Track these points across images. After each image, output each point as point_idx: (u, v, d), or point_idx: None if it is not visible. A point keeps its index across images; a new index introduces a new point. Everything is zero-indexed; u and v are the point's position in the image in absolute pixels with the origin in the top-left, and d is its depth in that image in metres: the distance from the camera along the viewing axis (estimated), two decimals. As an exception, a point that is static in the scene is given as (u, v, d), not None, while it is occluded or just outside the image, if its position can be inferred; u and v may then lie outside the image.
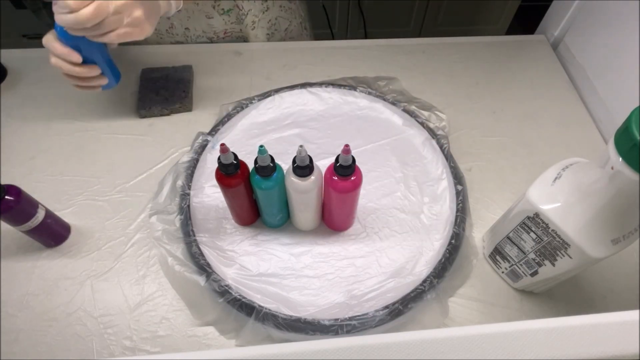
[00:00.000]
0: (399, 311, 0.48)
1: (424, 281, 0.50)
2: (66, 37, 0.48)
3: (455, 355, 0.25)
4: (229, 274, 0.51)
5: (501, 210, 0.57)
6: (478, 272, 0.53)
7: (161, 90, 0.69)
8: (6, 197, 0.45)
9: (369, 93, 0.69)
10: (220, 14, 0.75)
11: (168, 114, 0.68)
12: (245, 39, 0.81)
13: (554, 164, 0.43)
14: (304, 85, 0.70)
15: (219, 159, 0.43)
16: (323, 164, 0.61)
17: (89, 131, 0.66)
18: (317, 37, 0.91)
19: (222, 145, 0.41)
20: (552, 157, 0.46)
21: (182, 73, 0.72)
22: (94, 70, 0.53)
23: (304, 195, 0.47)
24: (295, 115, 0.67)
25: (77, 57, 0.50)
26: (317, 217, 0.55)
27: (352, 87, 0.70)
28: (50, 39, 0.49)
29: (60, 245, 0.55)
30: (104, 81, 0.55)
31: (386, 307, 0.48)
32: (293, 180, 0.45)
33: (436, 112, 0.67)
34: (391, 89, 0.70)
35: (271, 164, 0.44)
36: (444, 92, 0.73)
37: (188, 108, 0.69)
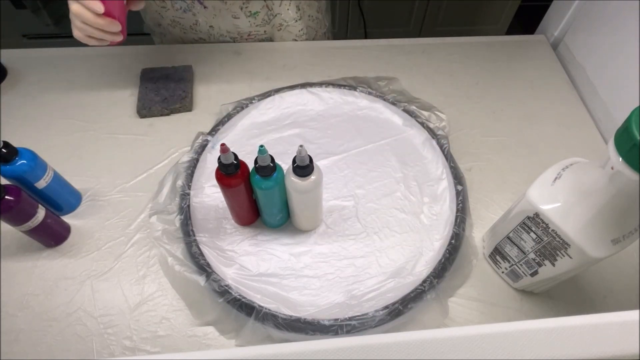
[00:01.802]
0: (399, 311, 0.48)
1: (424, 281, 0.50)
2: None
3: (455, 355, 0.25)
4: (229, 274, 0.51)
5: (501, 210, 0.57)
6: (478, 272, 0.53)
7: (161, 90, 0.69)
8: (6, 197, 0.45)
9: (369, 93, 0.69)
10: (247, 15, 0.75)
11: (168, 114, 0.68)
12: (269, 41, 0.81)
13: (554, 164, 0.43)
14: (304, 85, 0.70)
15: (219, 159, 0.43)
16: (323, 164, 0.61)
17: (89, 131, 0.66)
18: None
19: (223, 145, 0.41)
20: (552, 157, 0.46)
21: (182, 73, 0.72)
22: (116, 26, 0.52)
23: (304, 195, 0.47)
24: (295, 115, 0.67)
25: (100, 7, 0.50)
26: (317, 217, 0.55)
27: (352, 87, 0.70)
28: None
29: (60, 245, 0.55)
30: (119, 38, 0.55)
31: (386, 307, 0.48)
32: (293, 180, 0.45)
33: (436, 112, 0.67)
34: (391, 89, 0.70)
35: (271, 164, 0.44)
36: (444, 92, 0.73)
37: (188, 108, 0.69)
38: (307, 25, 0.81)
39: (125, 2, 0.53)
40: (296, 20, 0.78)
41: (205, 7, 0.57)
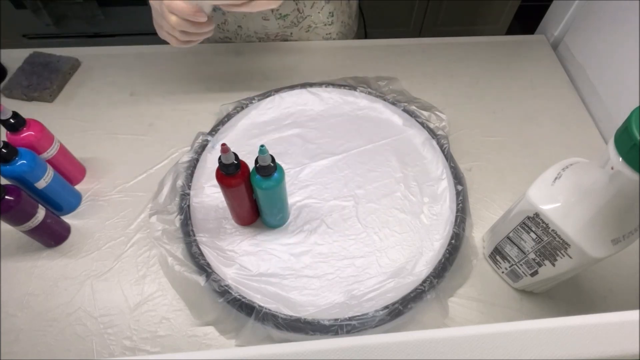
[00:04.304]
0: (399, 311, 0.48)
1: (424, 281, 0.50)
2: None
3: (455, 355, 0.25)
4: (229, 274, 0.51)
5: (501, 210, 0.57)
6: (478, 272, 0.53)
7: (33, 77, 0.70)
8: (6, 197, 0.45)
9: (369, 93, 0.69)
10: (277, 17, 0.75)
11: (27, 100, 0.69)
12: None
13: (554, 164, 0.43)
14: (304, 85, 0.70)
15: (219, 158, 0.43)
16: (323, 164, 0.61)
17: (89, 131, 0.66)
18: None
19: (223, 145, 0.41)
20: (552, 157, 0.46)
21: (61, 64, 0.72)
22: (202, 17, 0.51)
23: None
24: (295, 115, 0.67)
25: (203, 17, 0.50)
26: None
27: (352, 87, 0.70)
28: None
29: (60, 245, 0.55)
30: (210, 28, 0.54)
31: (386, 307, 0.48)
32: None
33: (436, 112, 0.67)
34: (391, 89, 0.70)
35: (272, 164, 0.44)
36: (444, 92, 0.73)
37: (46, 99, 0.69)
38: (338, 31, 0.81)
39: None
40: (325, 25, 0.78)
41: None
